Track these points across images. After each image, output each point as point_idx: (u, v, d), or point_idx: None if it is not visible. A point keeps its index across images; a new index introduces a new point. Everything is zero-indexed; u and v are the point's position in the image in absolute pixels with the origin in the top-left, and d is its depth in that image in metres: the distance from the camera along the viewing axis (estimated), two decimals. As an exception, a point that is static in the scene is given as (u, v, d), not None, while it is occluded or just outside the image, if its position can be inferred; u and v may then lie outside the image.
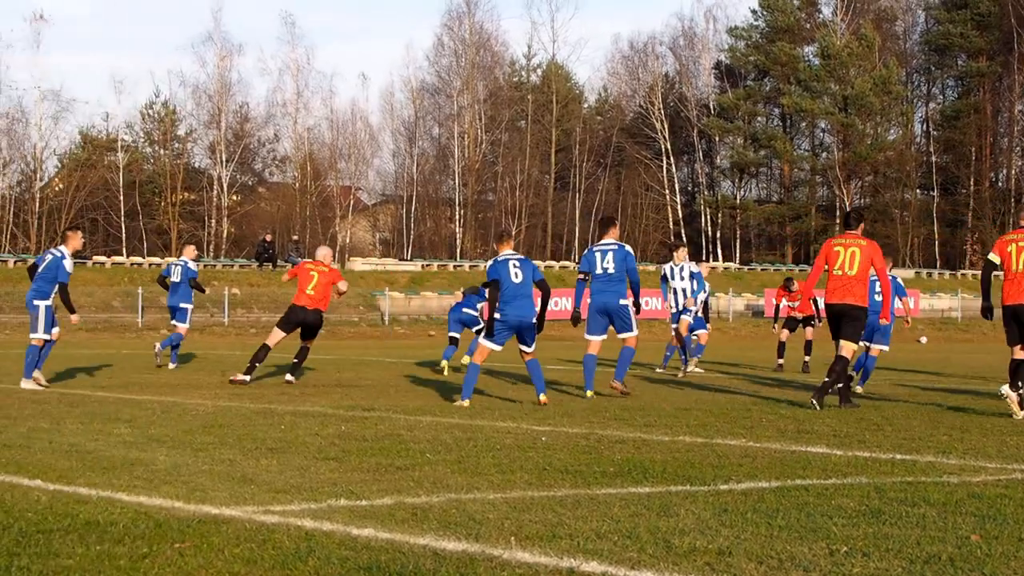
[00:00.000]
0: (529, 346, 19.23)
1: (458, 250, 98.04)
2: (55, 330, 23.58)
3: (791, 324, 33.78)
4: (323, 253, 25.17)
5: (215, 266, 77.97)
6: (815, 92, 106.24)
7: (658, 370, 30.25)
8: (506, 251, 19.52)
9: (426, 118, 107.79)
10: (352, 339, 59.87)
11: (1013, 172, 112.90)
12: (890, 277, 21.20)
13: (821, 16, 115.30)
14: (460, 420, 16.52)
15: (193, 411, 17.82)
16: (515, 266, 19.10)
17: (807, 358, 32.21)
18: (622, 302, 20.54)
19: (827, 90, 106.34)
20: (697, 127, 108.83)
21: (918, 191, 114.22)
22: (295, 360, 24.92)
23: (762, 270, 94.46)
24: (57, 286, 23.37)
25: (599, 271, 20.62)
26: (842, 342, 18.90)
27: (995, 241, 18.72)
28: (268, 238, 79.44)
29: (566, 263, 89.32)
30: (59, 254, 23.62)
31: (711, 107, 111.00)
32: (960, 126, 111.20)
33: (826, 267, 19.19)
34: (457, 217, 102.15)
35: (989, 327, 68.54)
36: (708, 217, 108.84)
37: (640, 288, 20.86)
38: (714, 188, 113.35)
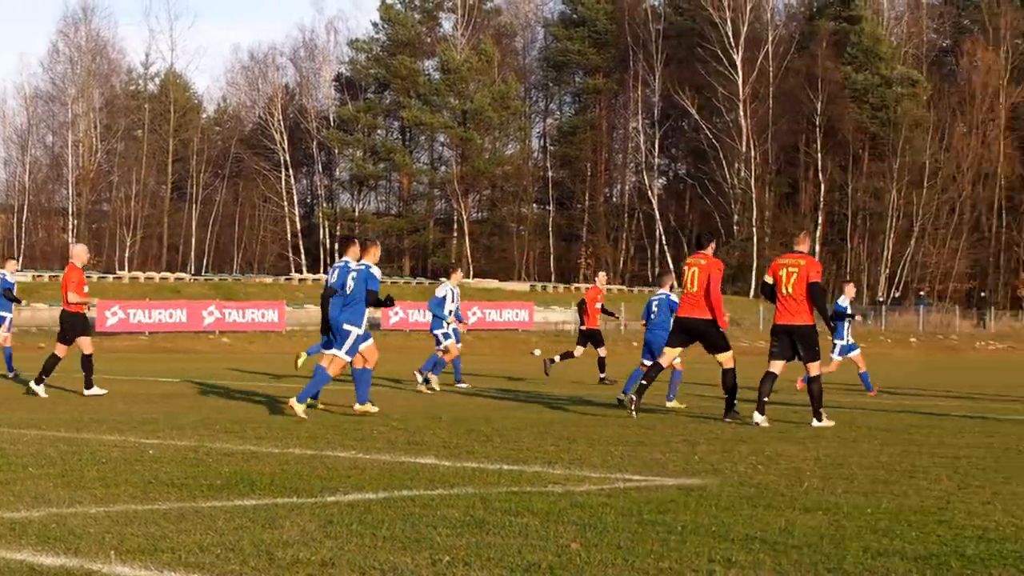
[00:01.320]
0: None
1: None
2: None
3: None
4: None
5: None
6: (435, 106, 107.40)
7: (422, 387, 28.58)
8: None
9: (39, 126, 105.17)
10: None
11: (627, 188, 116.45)
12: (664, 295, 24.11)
13: (441, 30, 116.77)
14: (67, 433, 16.11)
15: None
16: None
17: (602, 374, 33.17)
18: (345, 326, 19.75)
19: (447, 104, 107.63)
20: (317, 139, 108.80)
21: (535, 205, 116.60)
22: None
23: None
24: None
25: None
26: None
27: (771, 264, 19.93)
28: None
29: (182, 275, 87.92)
30: None
31: (331, 119, 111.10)
32: (576, 142, 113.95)
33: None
34: (71, 227, 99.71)
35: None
36: (327, 229, 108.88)
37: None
38: (333, 200, 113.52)
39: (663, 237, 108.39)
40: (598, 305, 34.35)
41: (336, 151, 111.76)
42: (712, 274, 19.91)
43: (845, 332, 30.17)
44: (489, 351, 67.09)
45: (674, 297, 23.31)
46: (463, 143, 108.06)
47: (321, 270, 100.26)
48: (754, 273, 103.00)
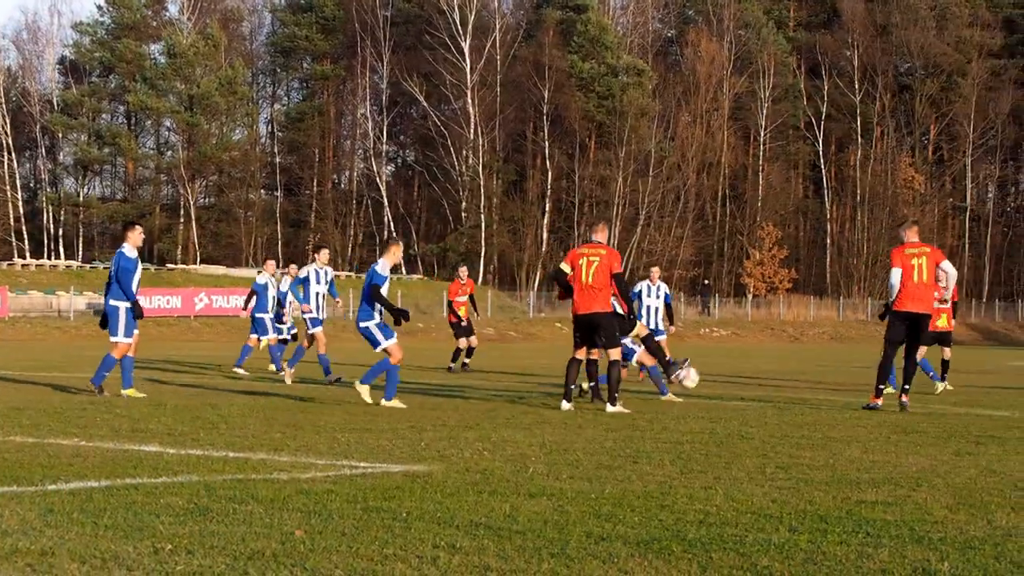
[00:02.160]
0: None
1: None
2: None
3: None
4: None
5: None
6: (161, 90, 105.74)
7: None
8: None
9: None
10: None
11: (355, 174, 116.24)
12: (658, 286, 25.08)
13: (168, 14, 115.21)
14: None
15: None
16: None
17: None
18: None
19: (173, 89, 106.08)
20: (40, 123, 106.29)
21: (262, 191, 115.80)
22: None
23: (104, 268, 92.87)
24: None
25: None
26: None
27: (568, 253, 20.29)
28: None
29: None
30: None
31: (55, 103, 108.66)
32: (304, 128, 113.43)
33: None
34: None
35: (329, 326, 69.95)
36: (51, 214, 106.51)
37: None
38: (57, 185, 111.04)
39: (391, 223, 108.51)
40: (462, 299, 34.79)
41: (60, 135, 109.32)
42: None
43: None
44: (215, 337, 66.52)
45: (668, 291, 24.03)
46: (189, 128, 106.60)
47: (45, 255, 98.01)
48: (482, 260, 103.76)
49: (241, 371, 29.98)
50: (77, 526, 8.58)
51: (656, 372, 23.25)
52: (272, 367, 30.40)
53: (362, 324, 19.86)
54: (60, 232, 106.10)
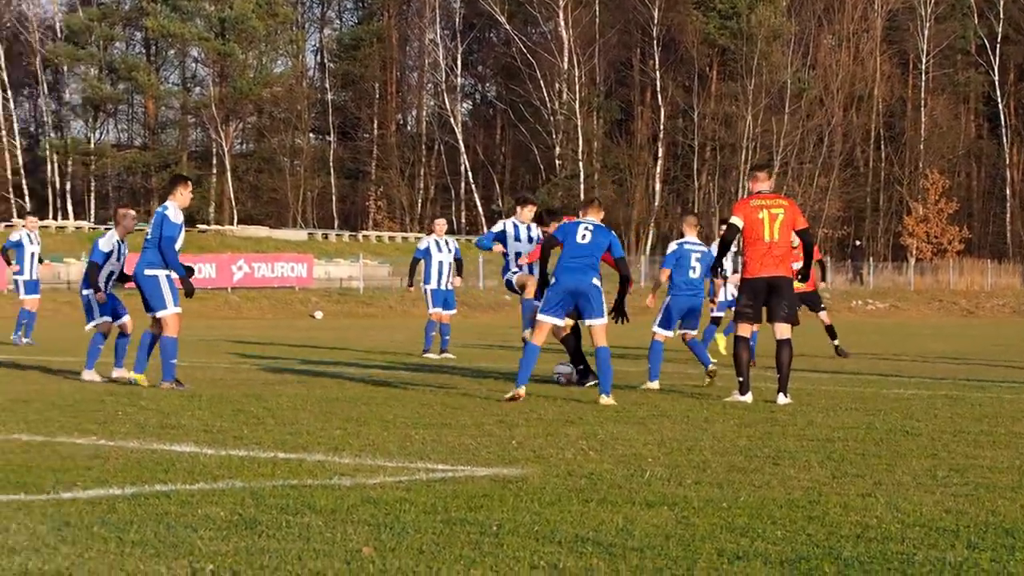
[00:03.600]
0: None
1: None
2: None
3: None
4: None
5: None
6: (186, 13, 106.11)
7: None
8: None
9: None
10: None
11: (424, 114, 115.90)
12: None
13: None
14: None
15: None
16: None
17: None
18: None
19: (200, 11, 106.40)
20: (40, 54, 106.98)
21: (311, 135, 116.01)
22: None
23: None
24: None
25: None
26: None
27: (738, 203, 20.07)
28: None
29: None
30: None
31: (58, 29, 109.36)
32: (361, 57, 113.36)
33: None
34: None
35: (396, 300, 70.30)
36: (56, 165, 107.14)
37: None
38: (63, 129, 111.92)
39: (470, 174, 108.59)
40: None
41: (65, 69, 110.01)
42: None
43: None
44: (259, 313, 66.90)
45: (713, 250, 23.06)
46: (221, 59, 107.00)
47: (50, 214, 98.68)
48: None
49: (433, 356, 30.77)
50: (99, 542, 8.66)
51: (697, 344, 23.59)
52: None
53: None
54: (68, 186, 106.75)
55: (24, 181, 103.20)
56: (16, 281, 35.62)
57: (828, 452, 13.67)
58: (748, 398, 19.17)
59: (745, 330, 19.49)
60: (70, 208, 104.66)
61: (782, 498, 10.71)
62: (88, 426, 15.33)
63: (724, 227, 20.06)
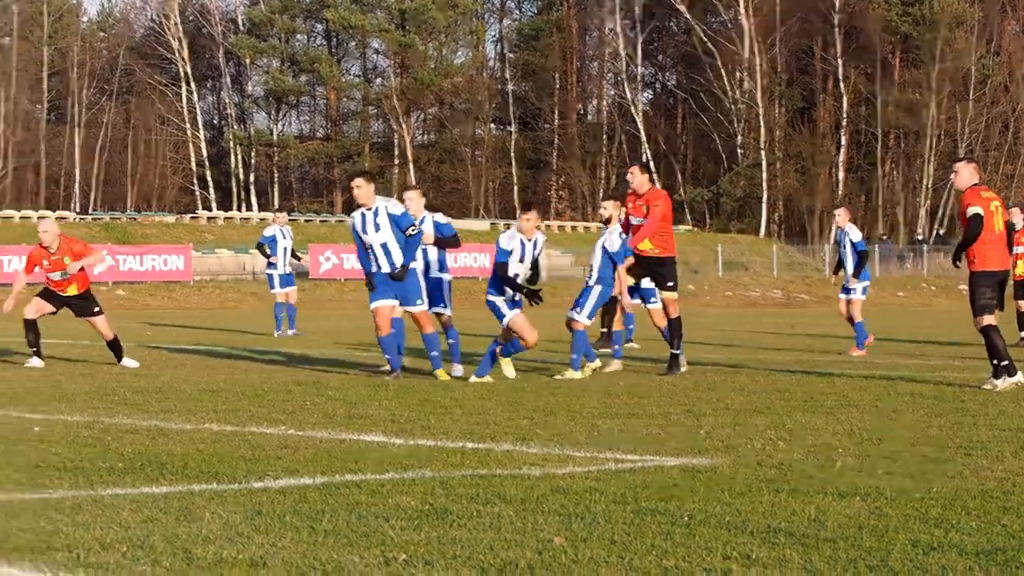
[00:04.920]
0: None
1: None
2: None
3: None
4: None
5: None
6: (366, 5, 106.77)
7: None
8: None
9: None
10: None
11: (605, 103, 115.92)
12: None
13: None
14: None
15: None
16: None
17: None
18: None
19: (381, 3, 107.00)
20: (223, 46, 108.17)
21: (492, 126, 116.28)
22: None
23: (306, 221, 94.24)
24: None
25: None
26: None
27: (969, 193, 19.74)
28: None
29: (65, 213, 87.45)
30: None
31: (240, 22, 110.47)
32: (541, 47, 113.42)
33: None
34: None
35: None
36: (239, 156, 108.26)
37: None
38: (246, 121, 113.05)
39: (651, 163, 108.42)
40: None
41: (247, 61, 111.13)
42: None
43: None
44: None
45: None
46: (402, 50, 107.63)
47: (234, 206, 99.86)
48: (764, 206, 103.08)
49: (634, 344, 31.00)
50: (291, 531, 8.73)
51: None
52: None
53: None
54: (251, 178, 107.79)
55: (208, 173, 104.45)
56: (270, 275, 36.58)
57: (1021, 442, 13.47)
58: (1019, 377, 19.17)
59: (992, 320, 19.43)
60: (254, 199, 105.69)
61: (975, 489, 10.56)
62: (277, 416, 15.49)
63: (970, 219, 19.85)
